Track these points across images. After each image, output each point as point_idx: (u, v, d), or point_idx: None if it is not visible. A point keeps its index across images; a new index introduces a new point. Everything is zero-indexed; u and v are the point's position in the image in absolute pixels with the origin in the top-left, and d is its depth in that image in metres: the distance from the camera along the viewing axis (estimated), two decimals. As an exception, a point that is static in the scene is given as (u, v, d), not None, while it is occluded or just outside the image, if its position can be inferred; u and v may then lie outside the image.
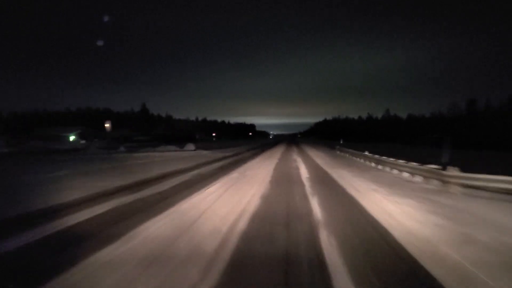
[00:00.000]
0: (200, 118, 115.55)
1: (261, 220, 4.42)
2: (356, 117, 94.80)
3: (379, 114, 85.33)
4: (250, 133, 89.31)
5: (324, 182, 8.20)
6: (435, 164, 9.16)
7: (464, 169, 6.90)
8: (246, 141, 49.93)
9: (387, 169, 10.90)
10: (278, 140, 71.54)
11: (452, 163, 7.61)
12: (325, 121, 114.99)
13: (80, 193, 6.35)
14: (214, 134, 57.04)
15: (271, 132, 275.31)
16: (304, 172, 10.23)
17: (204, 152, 20.44)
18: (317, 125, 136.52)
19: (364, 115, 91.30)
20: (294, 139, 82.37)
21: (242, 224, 4.21)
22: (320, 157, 16.64)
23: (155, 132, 51.54)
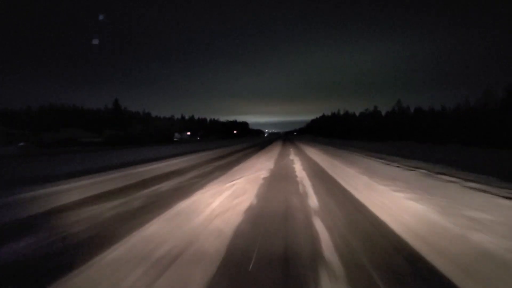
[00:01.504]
0: (187, 116, 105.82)
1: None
2: (357, 112, 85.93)
3: (381, 109, 76.40)
4: (235, 131, 77.93)
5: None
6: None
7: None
8: (229, 143, 40.13)
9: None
10: (271, 139, 62.06)
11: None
12: (323, 117, 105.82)
13: None
14: (189, 133, 46.84)
15: (266, 130, 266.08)
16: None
17: None
18: (314, 122, 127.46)
19: (358, 112, 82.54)
20: (291, 138, 72.67)
21: None
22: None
23: (110, 132, 41.45)
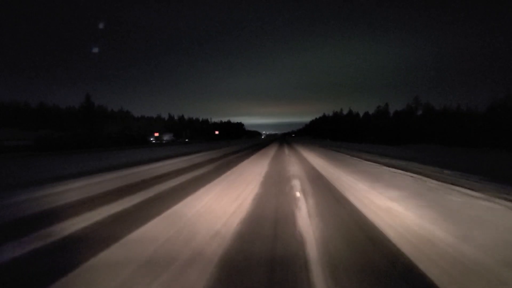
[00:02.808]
0: (176, 116, 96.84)
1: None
2: (361, 112, 77.66)
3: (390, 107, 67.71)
4: (217, 132, 67.59)
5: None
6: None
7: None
8: (206, 147, 30.88)
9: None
10: (265, 142, 53.51)
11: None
12: (324, 117, 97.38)
13: None
14: (156, 135, 37.15)
15: (264, 132, 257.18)
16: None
17: None
18: (314, 122, 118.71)
19: (363, 112, 74.97)
20: (289, 141, 63.92)
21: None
22: None
23: (45, 132, 32.34)
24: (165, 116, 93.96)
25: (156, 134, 37.92)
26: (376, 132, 48.55)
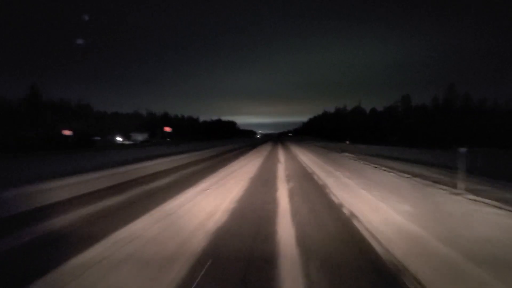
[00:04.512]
0: (159, 113, 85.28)
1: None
2: (367, 109, 67.59)
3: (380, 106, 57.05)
4: (169, 129, 55.06)
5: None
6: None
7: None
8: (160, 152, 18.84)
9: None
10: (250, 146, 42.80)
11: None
12: (324, 114, 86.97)
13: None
14: (67, 133, 25.10)
15: (259, 131, 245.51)
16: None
17: None
18: (312, 120, 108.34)
19: (369, 109, 65.10)
20: (286, 143, 52.86)
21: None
22: None
23: None
24: (143, 112, 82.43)
25: (67, 133, 26.95)
26: (396, 131, 38.05)
